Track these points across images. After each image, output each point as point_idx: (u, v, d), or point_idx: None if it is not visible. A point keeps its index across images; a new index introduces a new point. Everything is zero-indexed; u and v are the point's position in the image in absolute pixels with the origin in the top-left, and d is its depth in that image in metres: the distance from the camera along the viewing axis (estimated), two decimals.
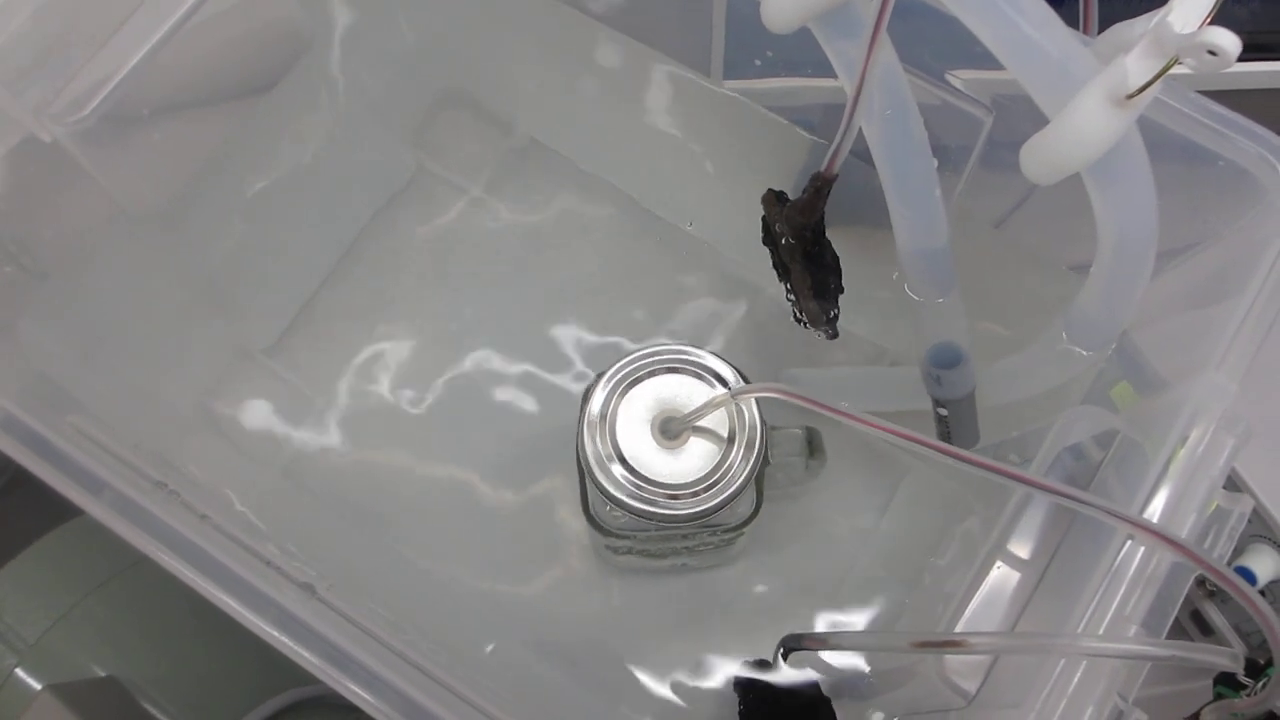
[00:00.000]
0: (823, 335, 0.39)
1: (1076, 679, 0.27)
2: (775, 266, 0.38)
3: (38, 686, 0.41)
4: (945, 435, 0.42)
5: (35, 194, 0.42)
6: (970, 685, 0.30)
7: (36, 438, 0.31)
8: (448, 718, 0.29)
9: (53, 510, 0.45)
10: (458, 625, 0.46)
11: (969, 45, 0.32)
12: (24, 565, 0.44)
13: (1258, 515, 0.43)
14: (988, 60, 0.32)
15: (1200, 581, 0.47)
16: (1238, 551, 0.44)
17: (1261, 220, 0.34)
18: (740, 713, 0.41)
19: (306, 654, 0.29)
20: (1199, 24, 0.27)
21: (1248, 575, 0.43)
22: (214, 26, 0.40)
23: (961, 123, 0.40)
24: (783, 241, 0.37)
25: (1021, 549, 0.32)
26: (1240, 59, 0.51)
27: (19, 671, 0.42)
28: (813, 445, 0.44)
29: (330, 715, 0.44)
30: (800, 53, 0.44)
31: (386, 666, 0.29)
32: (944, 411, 0.42)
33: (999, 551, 0.32)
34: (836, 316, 0.38)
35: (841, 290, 0.38)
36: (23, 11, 0.36)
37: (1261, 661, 0.41)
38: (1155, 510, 0.30)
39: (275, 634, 0.29)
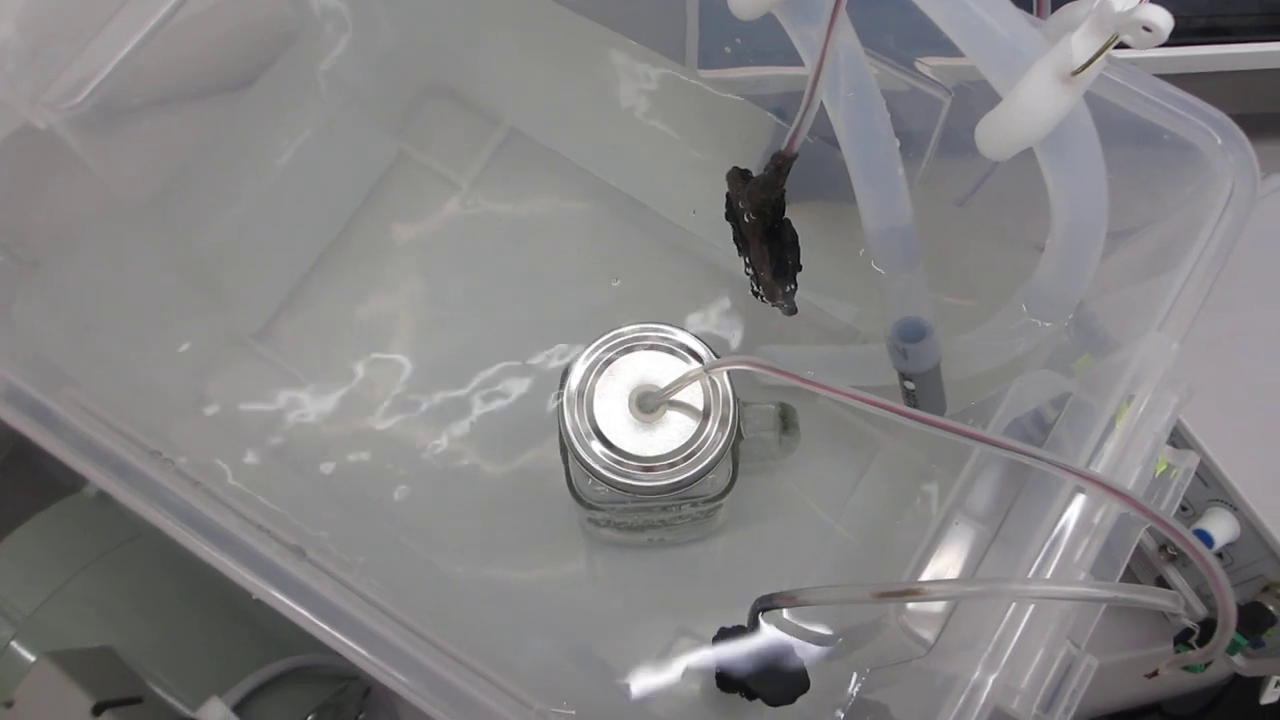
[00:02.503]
0: (781, 309, 0.40)
1: (1025, 621, 0.29)
2: (736, 241, 0.40)
3: (33, 658, 0.42)
4: (913, 408, 0.44)
5: (29, 182, 0.43)
6: (929, 634, 0.31)
7: (38, 407, 0.33)
8: (436, 669, 0.30)
9: (47, 488, 0.47)
10: (446, 598, 0.47)
11: (931, 33, 0.34)
12: (20, 541, 0.45)
13: (1215, 480, 0.45)
14: (949, 47, 0.33)
15: (1162, 546, 0.49)
16: (1197, 515, 0.46)
17: (1205, 189, 0.35)
18: (718, 676, 0.42)
19: (299, 608, 0.30)
20: (1137, 2, 0.29)
21: (1205, 538, 0.45)
22: (205, 21, 0.42)
23: (922, 105, 0.42)
24: (745, 218, 0.38)
25: (979, 506, 0.33)
26: (1197, 42, 0.53)
27: (15, 644, 0.43)
28: (786, 421, 0.45)
29: (320, 685, 0.45)
30: (771, 42, 0.45)
31: (376, 621, 0.31)
32: (911, 385, 0.43)
33: (957, 509, 0.33)
34: (793, 291, 0.40)
35: (799, 267, 0.39)
36: (18, 2, 0.37)
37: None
38: (1102, 463, 0.31)
39: (268, 589, 0.31)
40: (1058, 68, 0.31)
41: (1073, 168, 0.34)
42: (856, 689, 0.37)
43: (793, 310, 0.41)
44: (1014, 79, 0.32)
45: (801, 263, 0.40)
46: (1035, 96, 0.31)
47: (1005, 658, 0.29)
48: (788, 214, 0.39)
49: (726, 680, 0.42)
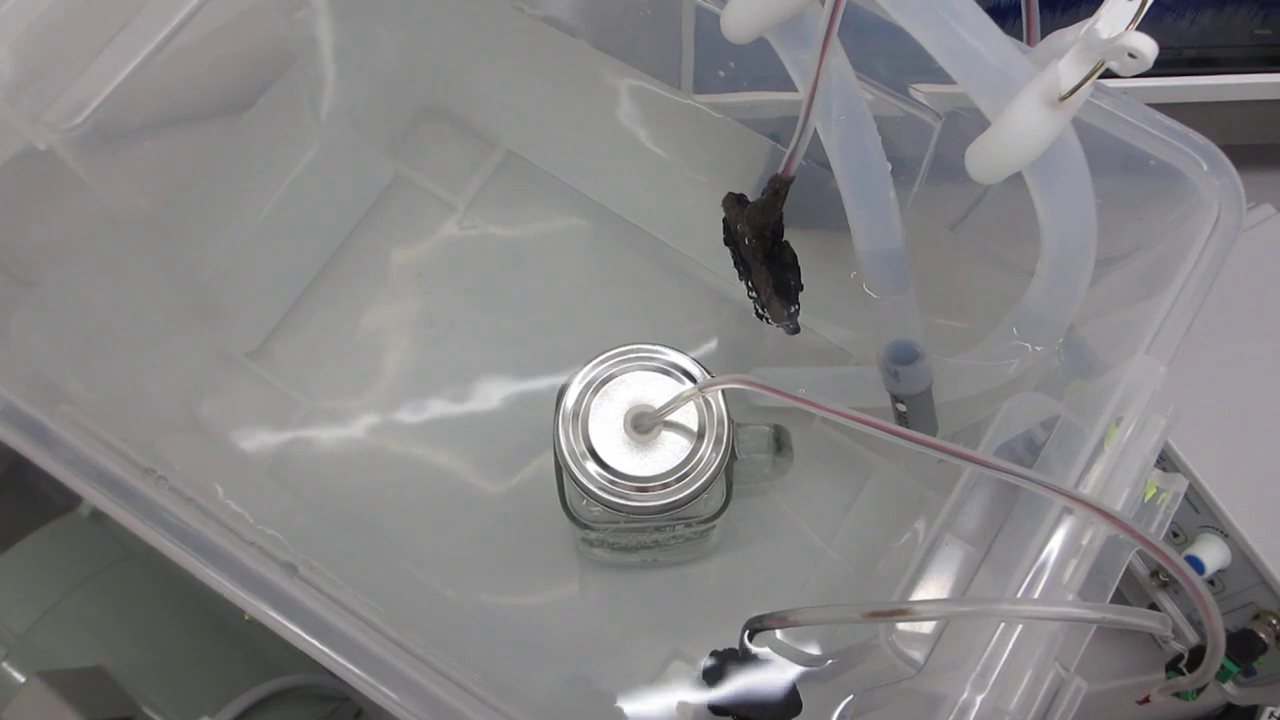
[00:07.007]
0: (785, 330, 0.40)
1: (1013, 642, 0.29)
2: (736, 265, 0.40)
3: (24, 679, 0.42)
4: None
5: (28, 202, 0.43)
6: (919, 655, 0.31)
7: (34, 425, 0.33)
8: (428, 686, 0.30)
9: (41, 507, 0.47)
10: (439, 618, 0.47)
11: (923, 60, 0.34)
12: (12, 561, 0.45)
13: (1206, 507, 0.45)
14: (940, 74, 0.34)
15: (1154, 572, 0.49)
16: (1188, 541, 0.46)
17: (1191, 214, 0.36)
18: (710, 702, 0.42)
19: (290, 624, 0.30)
20: (1123, 29, 0.29)
21: (1196, 564, 0.45)
22: (205, 44, 0.42)
23: (914, 130, 0.42)
24: (744, 242, 0.38)
25: (968, 527, 0.34)
26: (1188, 73, 0.54)
27: (6, 664, 0.43)
28: (780, 442, 0.46)
29: (311, 705, 0.45)
30: (764, 67, 0.46)
31: (367, 637, 0.31)
32: (902, 407, 0.43)
33: (947, 530, 0.34)
34: (797, 311, 0.40)
35: (801, 287, 0.39)
36: (18, 25, 0.38)
37: None
38: (1090, 485, 0.31)
39: (260, 605, 0.31)
40: (1046, 93, 0.31)
41: (1061, 192, 0.34)
42: (848, 711, 0.37)
43: (796, 330, 0.41)
44: (1003, 104, 0.32)
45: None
46: (1024, 121, 0.31)
47: (993, 679, 0.29)
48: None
49: (719, 703, 0.42)
